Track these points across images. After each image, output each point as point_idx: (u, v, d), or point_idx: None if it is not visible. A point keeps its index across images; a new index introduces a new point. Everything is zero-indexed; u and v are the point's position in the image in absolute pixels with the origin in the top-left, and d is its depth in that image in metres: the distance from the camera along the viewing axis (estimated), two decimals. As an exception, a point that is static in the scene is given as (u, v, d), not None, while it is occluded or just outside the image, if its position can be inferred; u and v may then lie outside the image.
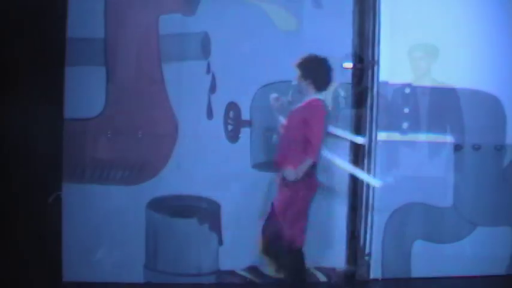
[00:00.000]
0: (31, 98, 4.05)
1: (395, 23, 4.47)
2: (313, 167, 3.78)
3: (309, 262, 4.37)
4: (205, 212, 4.28)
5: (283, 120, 3.98)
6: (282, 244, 3.82)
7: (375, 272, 4.48)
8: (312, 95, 3.80)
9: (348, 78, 4.47)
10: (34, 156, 4.05)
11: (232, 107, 4.32)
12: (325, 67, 3.84)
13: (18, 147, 4.04)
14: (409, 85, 4.51)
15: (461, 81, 4.54)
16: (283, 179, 3.79)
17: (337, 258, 4.46)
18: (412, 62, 4.54)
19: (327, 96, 4.03)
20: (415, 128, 4.52)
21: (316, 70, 3.81)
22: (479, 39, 4.54)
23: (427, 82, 4.54)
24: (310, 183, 3.80)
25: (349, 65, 4.46)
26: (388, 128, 4.49)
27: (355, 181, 4.51)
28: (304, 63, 3.81)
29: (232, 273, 4.37)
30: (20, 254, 3.92)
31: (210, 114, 4.29)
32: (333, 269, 4.46)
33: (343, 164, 4.32)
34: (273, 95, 4.06)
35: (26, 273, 3.87)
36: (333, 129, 4.25)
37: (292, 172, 3.71)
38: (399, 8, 4.48)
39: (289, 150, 3.78)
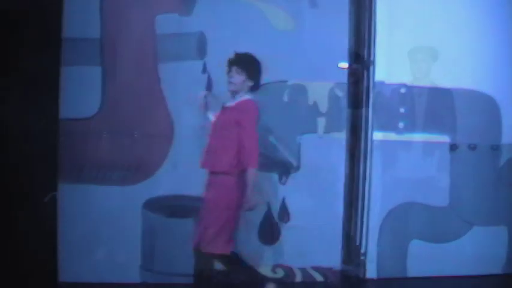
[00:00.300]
0: (27, 97, 4.04)
1: (392, 23, 4.48)
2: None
3: (306, 262, 4.43)
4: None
5: (211, 118, 3.77)
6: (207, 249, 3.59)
7: (371, 272, 4.49)
8: (244, 95, 3.63)
9: (344, 78, 4.48)
10: (30, 156, 4.04)
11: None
12: (261, 68, 3.69)
13: (14, 147, 4.03)
14: (404, 85, 4.52)
15: (459, 81, 4.56)
16: (212, 179, 3.61)
17: (333, 258, 4.46)
18: (412, 64, 4.54)
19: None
20: (411, 127, 4.53)
21: (258, 71, 3.65)
22: (475, 39, 4.56)
23: (426, 83, 4.55)
24: (241, 187, 3.55)
25: (345, 65, 4.47)
26: (384, 128, 4.50)
27: (351, 181, 4.53)
28: (248, 63, 3.62)
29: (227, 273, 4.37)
30: (16, 255, 3.91)
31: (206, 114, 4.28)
32: (330, 269, 4.46)
33: None
34: (202, 92, 3.90)
35: (22, 273, 3.86)
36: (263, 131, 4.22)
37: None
38: (395, 8, 4.49)
39: (219, 150, 3.57)
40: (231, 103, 3.65)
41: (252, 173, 3.46)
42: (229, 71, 3.62)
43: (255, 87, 3.67)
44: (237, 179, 3.52)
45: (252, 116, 3.56)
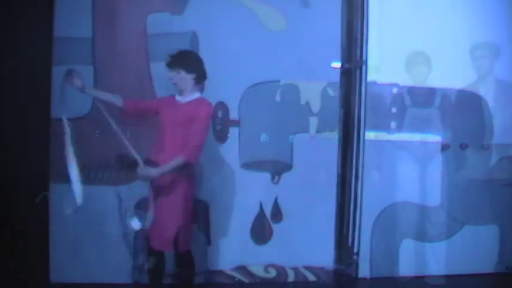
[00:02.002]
0: (18, 97, 4.03)
1: (384, 23, 4.49)
2: (189, 167, 3.54)
3: (298, 261, 4.43)
4: (194, 212, 4.26)
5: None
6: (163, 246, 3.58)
7: (364, 271, 4.50)
8: (195, 92, 3.63)
9: (336, 77, 4.48)
10: (21, 156, 4.03)
11: (220, 106, 4.31)
12: (197, 58, 3.67)
13: (5, 146, 4.02)
14: (396, 85, 4.53)
15: (451, 82, 4.58)
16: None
17: (325, 257, 4.47)
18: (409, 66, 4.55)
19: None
20: (402, 127, 4.54)
21: (194, 63, 3.61)
22: (465, 40, 4.59)
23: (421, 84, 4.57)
24: (187, 184, 3.56)
25: (337, 64, 4.47)
26: (376, 127, 4.50)
27: (343, 180, 4.54)
28: (180, 60, 3.57)
29: (221, 273, 4.37)
30: (7, 255, 3.90)
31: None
32: (322, 268, 4.47)
33: None
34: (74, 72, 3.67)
35: (14, 274, 3.84)
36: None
37: (153, 170, 3.46)
38: (388, 8, 4.50)
39: (172, 146, 3.52)
40: (183, 100, 3.62)
41: (178, 160, 3.43)
42: (170, 74, 3.60)
43: (200, 78, 3.65)
44: (187, 174, 3.54)
45: (204, 113, 3.55)
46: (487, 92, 4.63)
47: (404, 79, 4.55)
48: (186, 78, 3.58)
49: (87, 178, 4.17)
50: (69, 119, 4.06)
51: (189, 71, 3.58)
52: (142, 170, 3.50)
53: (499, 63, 4.64)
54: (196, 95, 3.65)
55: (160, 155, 3.56)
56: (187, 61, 3.60)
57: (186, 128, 3.51)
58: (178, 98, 3.66)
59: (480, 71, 4.61)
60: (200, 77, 3.64)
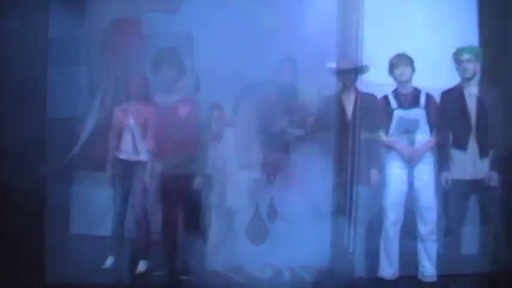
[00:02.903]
0: (15, 98, 4.04)
1: (380, 23, 4.48)
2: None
3: (294, 261, 4.43)
4: (190, 213, 4.28)
5: None
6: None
7: (359, 271, 4.50)
8: (178, 89, 3.75)
9: (333, 77, 4.48)
10: (18, 157, 4.04)
11: (216, 106, 4.32)
12: (181, 56, 3.78)
13: (2, 147, 4.03)
14: (392, 85, 4.52)
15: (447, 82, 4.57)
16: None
17: (321, 257, 4.47)
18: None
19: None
20: (399, 127, 4.52)
21: (179, 61, 3.73)
22: (460, 41, 4.57)
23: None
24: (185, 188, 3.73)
25: (333, 64, 4.47)
26: (372, 128, 4.50)
27: (339, 180, 4.54)
28: (166, 57, 3.70)
29: (217, 273, 4.38)
30: (4, 254, 3.92)
31: None
32: (318, 268, 4.47)
33: None
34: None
35: (10, 273, 3.86)
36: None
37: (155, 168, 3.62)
38: (384, 8, 4.50)
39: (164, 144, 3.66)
40: (171, 101, 3.71)
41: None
42: (160, 72, 3.69)
43: (181, 75, 3.78)
44: (186, 176, 3.60)
45: (195, 115, 3.67)
46: (486, 92, 4.61)
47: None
48: (168, 76, 3.59)
49: (85, 178, 4.21)
50: (69, 119, 4.12)
51: (170, 69, 3.60)
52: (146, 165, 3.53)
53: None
54: (180, 94, 3.66)
55: (158, 152, 3.57)
56: (169, 59, 3.69)
57: (175, 127, 3.53)
58: (159, 98, 3.67)
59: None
60: (180, 74, 3.66)
